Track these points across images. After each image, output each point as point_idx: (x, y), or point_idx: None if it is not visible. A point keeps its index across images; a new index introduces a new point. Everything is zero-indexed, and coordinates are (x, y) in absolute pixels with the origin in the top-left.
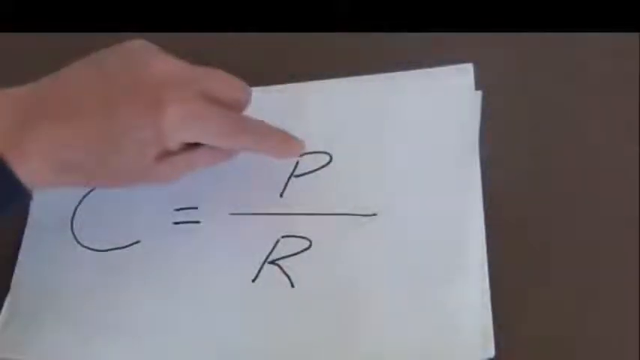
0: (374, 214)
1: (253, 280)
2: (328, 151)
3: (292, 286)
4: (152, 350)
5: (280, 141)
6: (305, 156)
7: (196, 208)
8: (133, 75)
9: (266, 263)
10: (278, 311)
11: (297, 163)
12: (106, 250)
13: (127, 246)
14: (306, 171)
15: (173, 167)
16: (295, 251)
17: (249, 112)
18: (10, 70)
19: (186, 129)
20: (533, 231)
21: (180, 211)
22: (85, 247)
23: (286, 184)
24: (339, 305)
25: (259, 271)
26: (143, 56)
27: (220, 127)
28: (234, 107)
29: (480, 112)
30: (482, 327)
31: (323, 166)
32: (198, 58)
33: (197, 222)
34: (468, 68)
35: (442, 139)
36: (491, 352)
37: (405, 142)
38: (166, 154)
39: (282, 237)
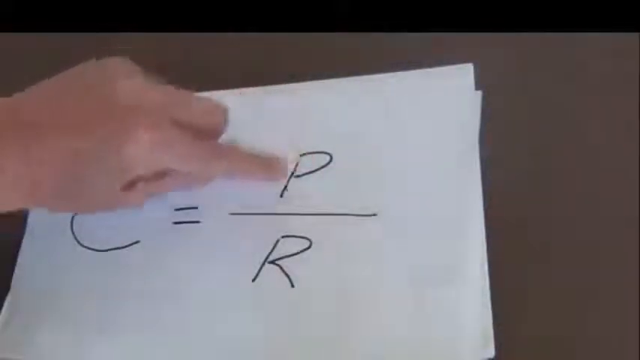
0: (374, 214)
1: (253, 280)
2: (328, 151)
3: (292, 286)
4: (152, 350)
5: (257, 167)
6: (305, 156)
7: (196, 208)
8: (105, 102)
9: (266, 263)
10: (278, 311)
11: (297, 163)
12: (106, 250)
13: (127, 246)
14: (306, 171)
15: (145, 193)
16: (295, 251)
17: (251, 113)
18: (10, 70)
19: (155, 157)
20: (533, 231)
21: (180, 211)
22: (85, 247)
23: (286, 184)
24: (339, 305)
25: (259, 271)
26: (119, 79)
27: (191, 154)
28: (210, 133)
29: (479, 112)
30: (482, 327)
31: (323, 166)
32: (198, 58)
33: (197, 222)
34: (468, 68)
35: (442, 139)
36: (491, 352)
37: (405, 142)
38: (138, 179)
39: (282, 237)
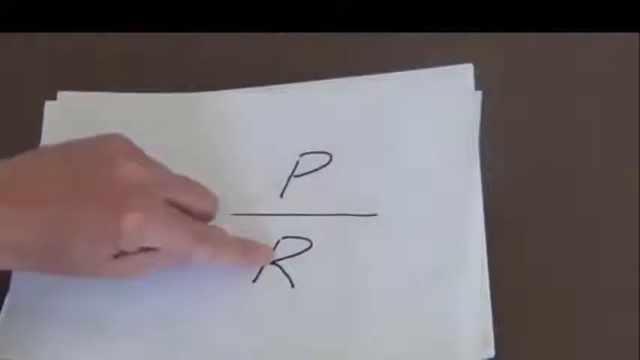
0: (374, 214)
1: (254, 281)
2: (328, 151)
3: (292, 286)
4: (152, 350)
5: (239, 253)
6: (305, 156)
7: None
8: (100, 175)
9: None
10: (278, 311)
11: (298, 163)
12: None
13: None
14: (306, 171)
15: (129, 266)
16: (296, 252)
17: (252, 113)
18: (10, 70)
19: (144, 236)
20: (533, 231)
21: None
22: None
23: (286, 185)
24: (339, 305)
25: (260, 272)
26: (116, 157)
27: (178, 236)
28: (200, 217)
29: (479, 112)
30: (482, 327)
31: (323, 166)
32: (198, 58)
33: None
34: (468, 68)
35: (442, 139)
36: (491, 352)
37: (404, 142)
38: (123, 253)
39: (283, 238)
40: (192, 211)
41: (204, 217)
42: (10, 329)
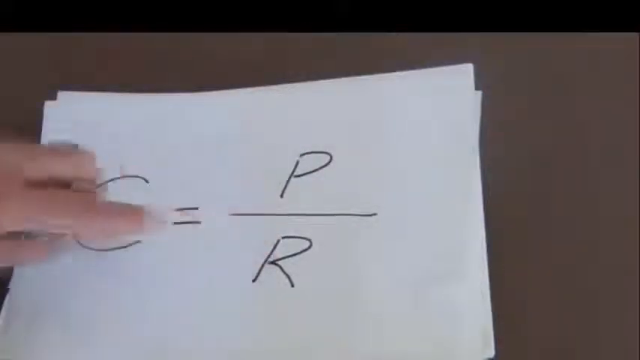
0: (374, 214)
1: (254, 281)
2: (328, 151)
3: (292, 286)
4: (152, 350)
5: (126, 221)
6: (305, 156)
7: (197, 208)
8: None
9: (266, 264)
10: (278, 311)
11: (298, 163)
12: (106, 250)
13: (127, 246)
14: (306, 171)
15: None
16: (296, 251)
17: (251, 113)
18: (10, 70)
19: (5, 223)
20: (533, 231)
21: (181, 212)
22: (85, 247)
23: (286, 184)
24: (339, 305)
25: (259, 272)
26: None
27: (55, 216)
28: (83, 186)
29: (480, 112)
30: (482, 327)
31: (323, 166)
32: (198, 58)
33: (197, 222)
34: (468, 68)
35: (442, 140)
36: (491, 352)
37: (405, 142)
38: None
39: (283, 238)
40: (63, 178)
41: (87, 186)
42: (10, 329)
